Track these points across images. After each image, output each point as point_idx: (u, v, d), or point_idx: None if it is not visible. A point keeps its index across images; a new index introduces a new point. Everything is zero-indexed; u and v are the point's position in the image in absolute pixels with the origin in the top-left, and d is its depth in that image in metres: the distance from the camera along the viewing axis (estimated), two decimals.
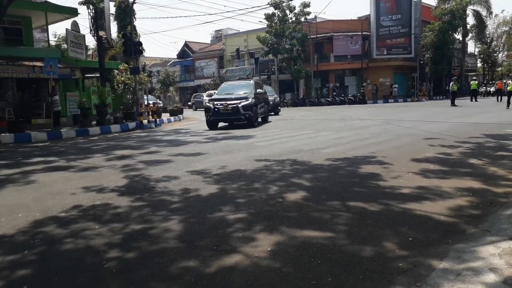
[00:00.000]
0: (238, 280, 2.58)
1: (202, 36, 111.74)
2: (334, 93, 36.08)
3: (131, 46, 17.56)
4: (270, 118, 17.62)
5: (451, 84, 25.80)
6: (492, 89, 39.01)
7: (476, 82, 29.87)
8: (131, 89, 19.25)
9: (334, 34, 37.69)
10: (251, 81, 15.48)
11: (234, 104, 13.44)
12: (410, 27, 37.09)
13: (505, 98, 21.07)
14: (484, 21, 44.06)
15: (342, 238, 3.19)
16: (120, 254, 3.08)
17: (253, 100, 13.84)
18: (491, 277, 2.42)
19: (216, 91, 16.77)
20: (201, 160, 7.23)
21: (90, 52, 28.50)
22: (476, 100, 27.66)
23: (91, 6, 22.40)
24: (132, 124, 16.59)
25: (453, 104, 23.57)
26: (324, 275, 2.58)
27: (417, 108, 23.16)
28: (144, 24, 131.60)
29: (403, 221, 3.54)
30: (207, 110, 14.13)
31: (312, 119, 17.20)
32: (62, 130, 14.29)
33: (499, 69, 59.16)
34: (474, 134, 9.33)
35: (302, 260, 2.82)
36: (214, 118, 13.88)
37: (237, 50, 41.94)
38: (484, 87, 40.20)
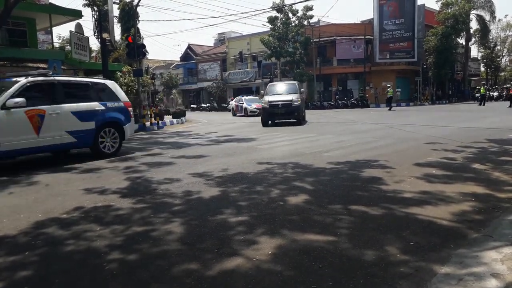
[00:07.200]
0: (239, 283, 2.57)
1: (205, 39, 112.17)
2: (337, 96, 36.07)
3: (135, 48, 17.63)
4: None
5: (388, 90, 27.34)
6: (496, 93, 39.42)
7: (485, 87, 31.06)
8: (134, 91, 19.30)
9: (337, 37, 37.71)
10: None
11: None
12: (413, 31, 37.07)
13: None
14: (487, 25, 44.03)
15: (343, 242, 3.18)
16: (122, 256, 3.08)
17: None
18: (493, 283, 2.40)
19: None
20: (203, 163, 7.24)
21: (93, 54, 28.61)
22: (484, 105, 28.30)
23: (95, 8, 22.51)
24: (134, 126, 16.59)
25: (389, 108, 25.73)
26: (325, 279, 2.57)
27: (419, 112, 23.13)
28: (148, 27, 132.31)
29: (405, 226, 3.52)
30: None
31: (315, 122, 17.18)
32: None
33: (502, 74, 59.05)
34: (477, 139, 9.30)
35: (303, 263, 2.81)
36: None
37: (240, 53, 42.04)
38: (488, 92, 40.30)
